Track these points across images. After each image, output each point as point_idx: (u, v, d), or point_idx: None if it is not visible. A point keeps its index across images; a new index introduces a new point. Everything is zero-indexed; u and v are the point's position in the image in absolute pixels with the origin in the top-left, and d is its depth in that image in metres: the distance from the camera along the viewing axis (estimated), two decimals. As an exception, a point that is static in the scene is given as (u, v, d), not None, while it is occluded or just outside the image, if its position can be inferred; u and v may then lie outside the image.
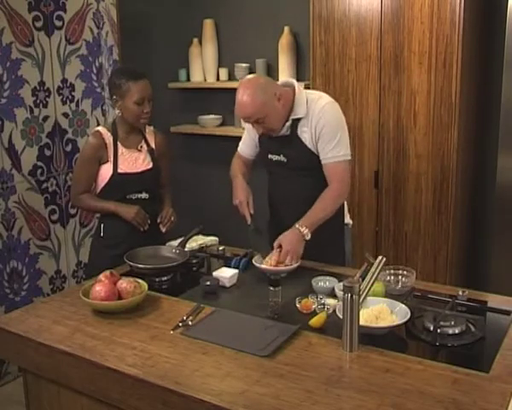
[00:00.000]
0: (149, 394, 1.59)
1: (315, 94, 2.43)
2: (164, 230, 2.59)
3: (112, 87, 2.56)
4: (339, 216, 2.46)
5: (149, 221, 2.56)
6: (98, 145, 2.56)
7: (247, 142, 2.61)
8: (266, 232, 2.45)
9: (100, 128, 2.62)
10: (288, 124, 2.36)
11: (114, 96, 2.54)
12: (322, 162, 2.35)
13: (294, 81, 2.43)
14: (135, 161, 2.60)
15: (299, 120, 2.35)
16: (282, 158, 2.43)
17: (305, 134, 2.35)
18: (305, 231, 2.23)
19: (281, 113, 2.32)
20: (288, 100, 2.34)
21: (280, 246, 2.24)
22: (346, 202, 2.54)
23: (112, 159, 2.56)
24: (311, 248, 2.29)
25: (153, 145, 2.68)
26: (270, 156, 2.48)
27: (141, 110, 2.52)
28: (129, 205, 2.54)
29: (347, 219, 2.56)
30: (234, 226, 3.79)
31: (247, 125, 2.52)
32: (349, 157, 2.37)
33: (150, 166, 2.64)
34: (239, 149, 2.65)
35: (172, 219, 2.62)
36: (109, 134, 2.58)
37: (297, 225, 2.25)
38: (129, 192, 2.58)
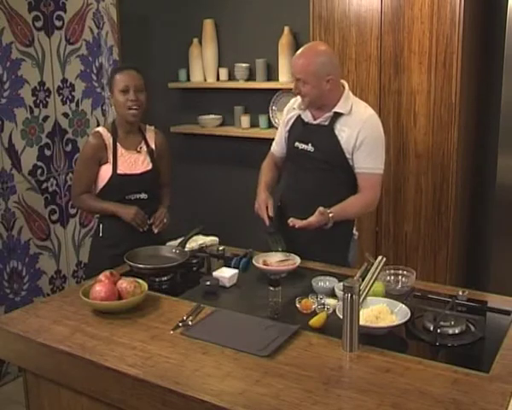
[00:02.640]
0: (149, 394, 1.59)
1: (361, 101, 2.49)
2: (156, 230, 2.58)
3: (108, 85, 2.60)
4: (350, 226, 2.51)
5: (149, 222, 2.56)
6: (98, 146, 2.56)
7: (279, 140, 2.67)
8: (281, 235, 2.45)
9: (100, 129, 2.62)
10: (329, 115, 2.40)
11: (109, 93, 2.59)
12: (358, 171, 2.40)
13: (346, 83, 2.48)
14: (134, 162, 2.60)
15: (340, 115, 2.39)
16: (309, 147, 2.45)
17: (344, 134, 2.38)
18: (330, 213, 2.29)
19: (323, 93, 2.36)
20: (336, 91, 2.39)
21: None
22: None
23: (111, 160, 2.56)
24: (315, 253, 2.34)
25: (153, 146, 2.68)
26: (296, 144, 2.50)
27: (126, 98, 2.52)
28: (128, 206, 2.54)
29: (354, 230, 2.58)
30: (234, 226, 3.80)
31: (281, 122, 2.64)
32: (383, 171, 2.43)
33: (150, 167, 2.63)
34: (272, 148, 2.71)
35: (165, 220, 2.61)
36: (109, 135, 2.58)
37: (325, 208, 2.30)
38: (128, 193, 2.58)
